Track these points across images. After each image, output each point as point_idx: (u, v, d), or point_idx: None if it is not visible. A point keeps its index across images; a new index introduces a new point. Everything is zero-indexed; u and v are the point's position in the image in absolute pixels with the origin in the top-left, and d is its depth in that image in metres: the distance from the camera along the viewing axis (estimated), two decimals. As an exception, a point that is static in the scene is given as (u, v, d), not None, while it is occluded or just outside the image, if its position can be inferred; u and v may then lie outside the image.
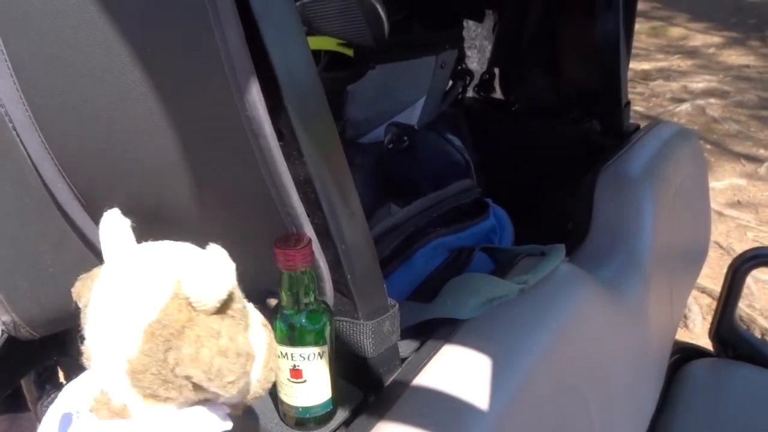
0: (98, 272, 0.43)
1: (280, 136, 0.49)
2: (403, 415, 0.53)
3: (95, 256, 0.58)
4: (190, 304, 0.37)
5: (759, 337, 2.08)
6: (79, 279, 0.44)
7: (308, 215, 0.52)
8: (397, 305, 0.58)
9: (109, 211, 0.43)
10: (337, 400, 0.55)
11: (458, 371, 0.58)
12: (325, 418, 0.54)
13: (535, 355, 0.63)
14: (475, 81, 1.36)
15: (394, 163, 1.03)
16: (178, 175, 0.48)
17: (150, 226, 0.50)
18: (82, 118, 0.47)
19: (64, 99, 0.47)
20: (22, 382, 0.80)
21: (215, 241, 0.48)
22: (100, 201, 0.52)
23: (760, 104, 4.00)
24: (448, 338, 0.62)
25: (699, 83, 4.42)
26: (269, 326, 0.46)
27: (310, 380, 0.52)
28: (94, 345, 0.40)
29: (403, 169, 1.01)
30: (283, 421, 0.55)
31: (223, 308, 0.39)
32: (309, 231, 0.52)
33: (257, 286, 0.51)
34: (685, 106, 4.03)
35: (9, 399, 0.91)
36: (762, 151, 3.44)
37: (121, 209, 0.47)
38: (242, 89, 0.43)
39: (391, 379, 0.58)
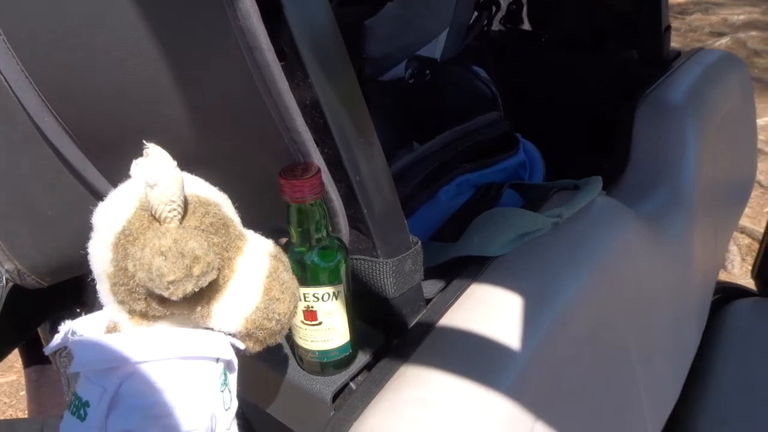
0: None
1: (282, 55, 0.44)
2: (429, 358, 0.50)
3: (95, 198, 0.54)
4: (152, 215, 0.37)
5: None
6: None
7: (317, 144, 0.47)
8: (420, 243, 0.53)
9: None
10: (356, 343, 0.52)
11: (487, 311, 0.54)
12: (344, 363, 0.51)
13: (570, 293, 0.58)
14: (502, 12, 1.27)
15: (416, 99, 0.97)
16: (169, 100, 0.43)
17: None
18: (58, 39, 0.43)
19: (40, 21, 0.43)
20: (39, 332, 0.79)
21: (215, 171, 0.44)
22: (90, 133, 0.48)
23: (806, 35, 3.76)
24: (475, 277, 0.57)
25: (740, 15, 4.17)
26: (281, 258, 0.43)
27: (326, 322, 0.48)
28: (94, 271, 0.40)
29: (426, 104, 0.95)
30: (300, 366, 0.52)
31: (191, 220, 0.38)
32: (318, 161, 0.47)
33: (265, 223, 0.46)
34: (724, 40, 3.81)
35: (36, 350, 0.90)
36: (806, 85, 3.25)
37: (112, 142, 0.43)
38: (232, -6, 0.37)
39: (415, 321, 0.54)
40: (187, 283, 0.36)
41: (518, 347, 0.51)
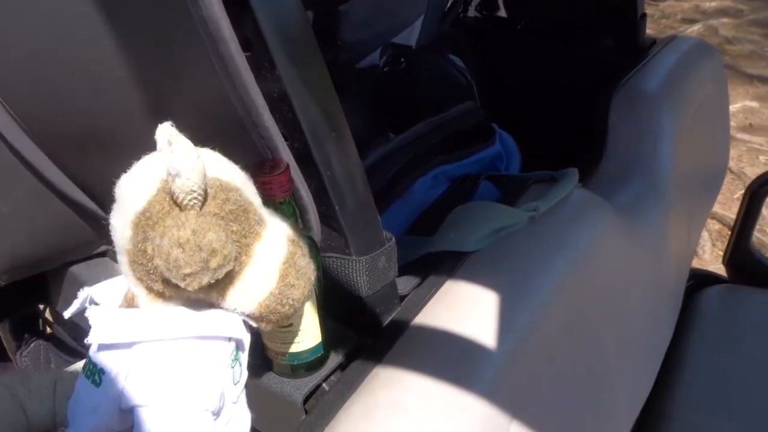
0: None
1: (247, 45, 0.41)
2: (403, 359, 0.48)
3: (53, 193, 0.51)
4: (173, 200, 0.37)
5: (770, 261, 2.05)
6: None
7: (286, 138, 0.45)
8: (394, 239, 0.52)
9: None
10: (328, 344, 0.50)
11: (462, 309, 0.53)
12: (315, 364, 0.49)
13: (547, 288, 0.58)
14: (477, -2, 1.25)
15: (391, 87, 0.95)
16: (130, 95, 0.41)
17: (103, 153, 0.44)
18: (10, 34, 0.40)
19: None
20: (-1, 331, 0.76)
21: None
22: (44, 126, 0.45)
23: (776, 23, 3.82)
24: (451, 273, 0.56)
25: (712, 2, 4.22)
26: (299, 243, 0.42)
27: (296, 323, 0.46)
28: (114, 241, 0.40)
29: (401, 92, 0.93)
30: (270, 368, 0.51)
31: (211, 207, 0.37)
32: (288, 156, 0.45)
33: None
34: (697, 27, 3.85)
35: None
36: (776, 72, 3.30)
37: (68, 137, 0.40)
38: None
39: (389, 319, 0.53)
40: (203, 276, 0.36)
41: (494, 346, 0.50)
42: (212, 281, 0.36)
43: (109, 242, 0.60)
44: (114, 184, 0.39)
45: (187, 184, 0.35)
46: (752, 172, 2.61)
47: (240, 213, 0.39)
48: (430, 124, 0.77)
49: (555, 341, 0.57)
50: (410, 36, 1.13)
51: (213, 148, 0.41)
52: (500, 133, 0.88)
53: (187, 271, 0.35)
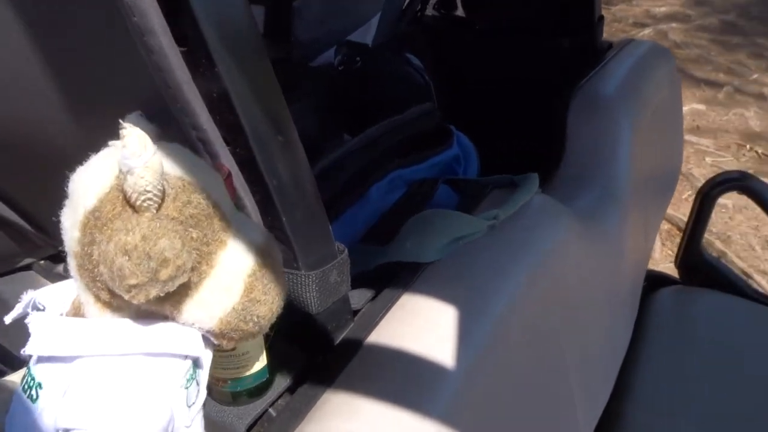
0: None
1: (183, 40, 0.37)
2: (357, 380, 0.45)
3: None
4: (126, 198, 0.33)
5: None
6: None
7: (228, 143, 0.41)
8: (346, 251, 0.48)
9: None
10: (275, 365, 0.46)
11: (420, 323, 0.50)
12: (259, 390, 0.45)
13: (507, 299, 0.55)
14: (435, -4, 1.23)
15: (345, 87, 0.91)
16: (42, 94, 0.36)
17: (21, 160, 0.39)
18: None
19: None
20: None
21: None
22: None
23: (721, 28, 3.96)
24: (408, 285, 0.53)
25: (661, 7, 4.34)
26: (270, 252, 0.39)
27: (239, 347, 0.42)
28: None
29: (356, 92, 0.90)
30: (209, 395, 0.46)
31: (169, 209, 0.33)
32: (229, 162, 0.41)
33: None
34: (647, 31, 3.95)
35: None
36: (722, 76, 3.42)
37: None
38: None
39: (341, 337, 0.50)
40: (151, 288, 0.32)
41: (453, 364, 0.47)
42: (162, 294, 0.33)
43: (33, 255, 0.54)
44: (37, 192, 0.35)
45: (140, 183, 0.31)
46: (699, 173, 2.69)
47: (203, 218, 0.35)
48: (386, 126, 0.74)
49: (514, 356, 0.55)
50: (366, 34, 1.09)
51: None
52: (458, 135, 0.86)
53: (133, 281, 0.31)
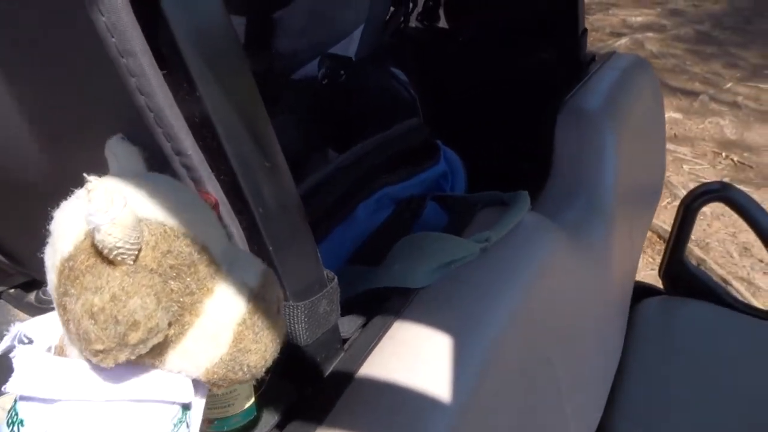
0: None
1: (162, 62, 0.35)
2: (349, 417, 0.43)
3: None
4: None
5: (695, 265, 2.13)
6: None
7: (212, 169, 0.39)
8: (336, 279, 0.46)
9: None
10: (263, 401, 0.44)
11: (412, 354, 0.48)
12: (247, 428, 0.43)
13: (501, 324, 0.54)
14: (419, 8, 1.21)
15: (330, 101, 0.89)
16: (6, 124, 0.34)
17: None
18: None
19: None
20: None
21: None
22: None
23: (696, 38, 4.03)
24: (399, 312, 0.51)
25: (637, 17, 4.41)
26: (264, 296, 0.36)
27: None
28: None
29: (341, 107, 0.88)
30: (193, 436, 0.44)
31: (147, 259, 0.31)
32: (214, 189, 0.39)
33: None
34: (624, 41, 4.01)
35: None
36: (697, 85, 3.48)
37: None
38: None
39: (331, 369, 0.47)
40: (119, 353, 0.30)
41: (447, 397, 0.45)
42: (132, 357, 0.30)
43: (4, 283, 0.51)
44: (6, 220, 0.32)
45: (108, 240, 0.29)
46: (677, 181, 2.72)
47: (185, 267, 0.32)
48: (373, 142, 0.72)
49: (509, 384, 0.53)
50: (349, 46, 1.08)
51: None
52: (445, 150, 0.84)
53: (99, 347, 0.29)
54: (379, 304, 0.52)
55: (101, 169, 0.37)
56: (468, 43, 1.20)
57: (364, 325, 0.51)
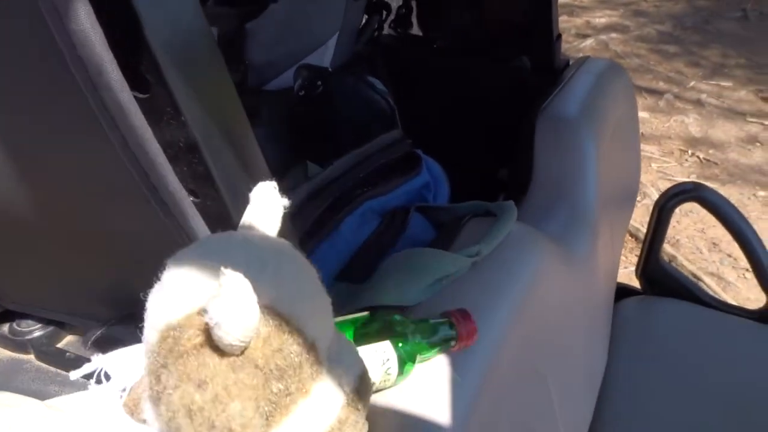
0: None
1: (144, 86, 0.33)
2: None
3: None
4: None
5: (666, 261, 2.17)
6: None
7: (196, 196, 0.37)
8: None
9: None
10: None
11: (412, 379, 0.47)
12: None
13: (494, 338, 0.53)
14: (392, 16, 1.21)
15: (307, 113, 0.88)
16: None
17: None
18: None
19: None
20: None
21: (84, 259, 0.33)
22: None
23: (659, 38, 4.11)
24: (392, 332, 0.50)
25: (601, 18, 4.48)
26: (357, 404, 0.33)
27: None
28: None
29: (319, 118, 0.86)
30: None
31: (257, 353, 0.29)
32: (194, 218, 0.37)
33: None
34: (589, 42, 4.07)
35: None
36: (662, 84, 3.54)
37: None
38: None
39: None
40: None
41: (446, 418, 0.44)
42: None
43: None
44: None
45: (225, 338, 0.27)
46: (645, 179, 2.76)
47: (290, 369, 0.30)
48: (356, 156, 0.71)
49: (506, 397, 0.53)
50: (324, 56, 1.06)
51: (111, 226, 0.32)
52: (426, 160, 0.83)
53: None
54: (371, 324, 0.51)
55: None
56: (443, 49, 1.20)
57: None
